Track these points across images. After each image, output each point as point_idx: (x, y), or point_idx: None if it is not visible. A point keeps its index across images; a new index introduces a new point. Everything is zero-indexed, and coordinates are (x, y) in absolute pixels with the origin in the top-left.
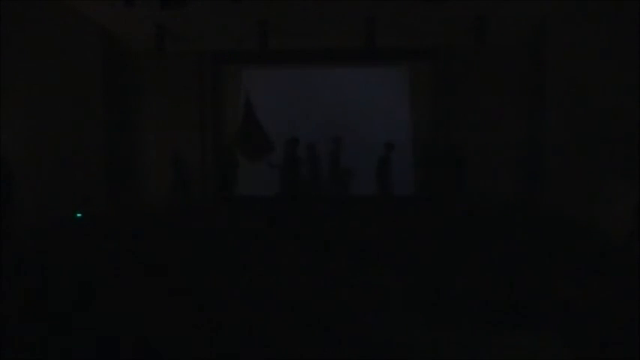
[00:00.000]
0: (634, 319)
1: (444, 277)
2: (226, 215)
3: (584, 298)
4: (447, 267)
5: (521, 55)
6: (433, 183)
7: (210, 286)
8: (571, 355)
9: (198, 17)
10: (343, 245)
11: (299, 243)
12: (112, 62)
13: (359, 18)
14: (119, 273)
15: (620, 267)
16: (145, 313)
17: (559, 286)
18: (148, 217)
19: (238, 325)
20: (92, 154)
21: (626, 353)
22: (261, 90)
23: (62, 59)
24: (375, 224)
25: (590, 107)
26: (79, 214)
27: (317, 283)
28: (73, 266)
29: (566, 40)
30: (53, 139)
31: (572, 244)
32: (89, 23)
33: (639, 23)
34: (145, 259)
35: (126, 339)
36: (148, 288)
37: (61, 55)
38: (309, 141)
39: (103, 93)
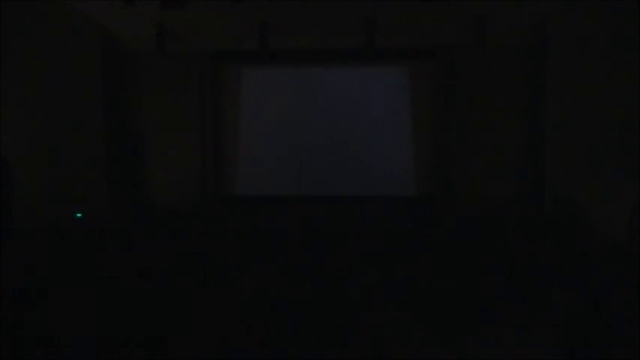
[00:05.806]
0: (634, 319)
1: (442, 278)
2: (226, 215)
3: (584, 298)
4: (446, 267)
5: (522, 55)
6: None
7: (209, 286)
8: (570, 355)
9: (198, 17)
10: (342, 246)
11: (298, 243)
12: (112, 62)
13: (359, 18)
14: (119, 273)
15: (620, 267)
16: (145, 312)
17: (558, 286)
18: (148, 217)
19: (237, 326)
20: (92, 154)
21: (626, 353)
22: (261, 90)
23: (62, 59)
24: (374, 225)
25: (590, 107)
26: (79, 214)
27: (315, 283)
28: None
29: (566, 40)
30: (53, 139)
31: (572, 244)
32: (89, 23)
33: (639, 23)
34: (145, 259)
35: (125, 338)
36: (147, 288)
37: (61, 55)
38: (308, 141)
39: (103, 93)
